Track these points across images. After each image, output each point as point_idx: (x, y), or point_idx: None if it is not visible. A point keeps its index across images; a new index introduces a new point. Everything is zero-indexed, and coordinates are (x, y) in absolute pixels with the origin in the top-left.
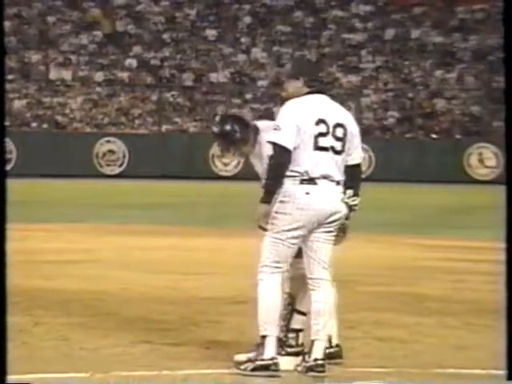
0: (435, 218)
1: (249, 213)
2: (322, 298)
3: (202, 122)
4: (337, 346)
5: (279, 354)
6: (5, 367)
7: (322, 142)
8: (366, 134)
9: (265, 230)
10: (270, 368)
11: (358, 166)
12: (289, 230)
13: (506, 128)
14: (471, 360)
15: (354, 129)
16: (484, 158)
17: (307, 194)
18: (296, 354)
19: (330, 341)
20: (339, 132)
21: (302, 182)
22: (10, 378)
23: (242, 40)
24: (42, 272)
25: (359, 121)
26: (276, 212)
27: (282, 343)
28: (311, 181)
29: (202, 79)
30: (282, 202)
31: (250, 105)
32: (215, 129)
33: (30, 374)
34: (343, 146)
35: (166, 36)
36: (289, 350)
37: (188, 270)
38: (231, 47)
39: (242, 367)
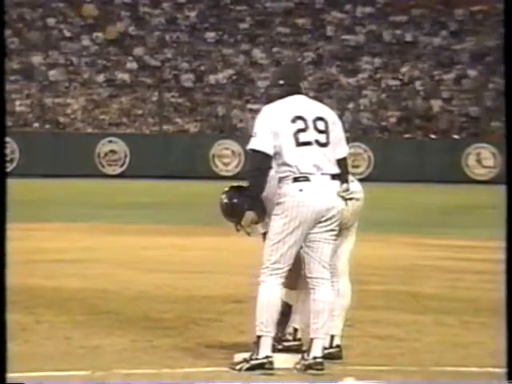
0: (433, 217)
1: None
2: (322, 297)
3: (203, 122)
4: (337, 346)
5: (276, 349)
6: (5, 366)
7: (303, 137)
8: (364, 134)
9: (249, 235)
10: (264, 366)
11: (343, 159)
12: (287, 230)
13: (506, 128)
14: (468, 358)
15: (335, 121)
16: (482, 158)
17: (301, 190)
18: (293, 350)
19: (331, 340)
20: (320, 125)
21: (295, 180)
22: (11, 376)
23: (242, 41)
24: (44, 271)
25: (358, 121)
26: (274, 214)
27: (278, 339)
28: (304, 178)
29: (203, 80)
30: (278, 203)
31: (250, 106)
32: (224, 206)
33: (32, 372)
34: (327, 137)
35: (166, 37)
36: (286, 344)
37: (188, 268)
38: (231, 48)
39: (238, 367)
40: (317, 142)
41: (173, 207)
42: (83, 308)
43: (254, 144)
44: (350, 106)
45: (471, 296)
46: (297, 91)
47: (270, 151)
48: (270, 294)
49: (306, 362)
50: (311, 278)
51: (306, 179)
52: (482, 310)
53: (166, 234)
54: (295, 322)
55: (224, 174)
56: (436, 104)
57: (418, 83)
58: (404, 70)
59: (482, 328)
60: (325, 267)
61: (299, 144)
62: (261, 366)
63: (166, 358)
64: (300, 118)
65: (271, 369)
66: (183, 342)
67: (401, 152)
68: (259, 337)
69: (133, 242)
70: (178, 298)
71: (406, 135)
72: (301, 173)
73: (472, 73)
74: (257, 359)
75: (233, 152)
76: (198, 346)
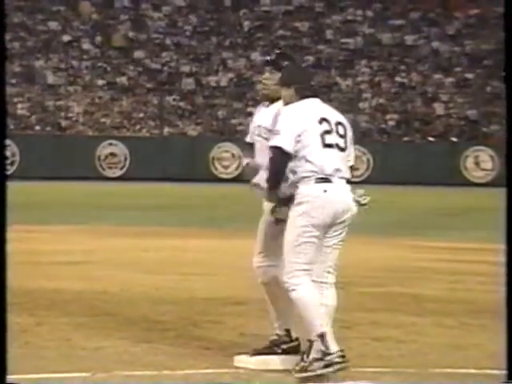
0: (432, 219)
1: (248, 214)
2: (324, 301)
3: (203, 125)
4: (296, 339)
5: (275, 353)
6: (5, 367)
7: (328, 139)
8: (364, 137)
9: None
10: (341, 361)
11: (351, 167)
12: (311, 231)
13: (506, 130)
14: (467, 359)
15: (349, 128)
16: (480, 161)
17: (325, 191)
18: (292, 351)
19: (289, 334)
20: (341, 130)
21: (318, 180)
22: (12, 377)
23: (242, 44)
24: (45, 273)
25: (357, 124)
26: (297, 215)
27: (276, 343)
28: (326, 179)
29: (203, 83)
30: (300, 203)
31: (250, 109)
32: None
33: (33, 374)
34: (345, 143)
35: (167, 41)
36: (284, 346)
37: (188, 270)
38: (231, 52)
39: (310, 368)
40: (337, 145)
41: (173, 209)
42: (84, 310)
43: (276, 141)
44: (349, 109)
45: (470, 298)
46: (313, 94)
47: (291, 150)
48: (312, 293)
49: (306, 364)
50: (315, 281)
51: (329, 181)
52: (481, 312)
53: (166, 236)
54: (286, 323)
55: (224, 176)
56: (435, 107)
57: (416, 86)
58: (403, 73)
59: (481, 330)
60: (329, 272)
61: (325, 145)
62: (337, 362)
63: (166, 359)
64: (325, 120)
65: (347, 361)
66: (183, 343)
67: (400, 155)
68: (323, 335)
69: (133, 244)
70: (178, 299)
71: (405, 138)
72: (324, 174)
73: (470, 76)
74: (330, 354)
75: (233, 155)
76: (198, 347)
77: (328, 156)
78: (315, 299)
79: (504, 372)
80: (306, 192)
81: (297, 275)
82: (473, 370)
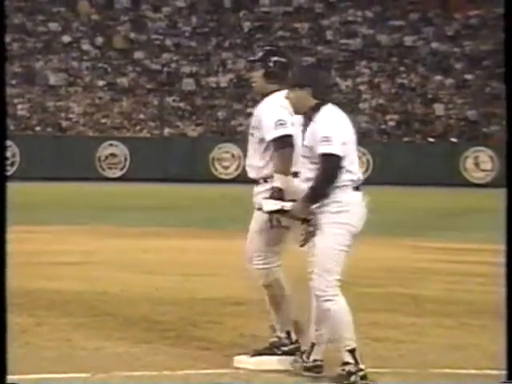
0: (432, 220)
1: (248, 215)
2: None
3: (203, 126)
4: (296, 341)
5: (275, 354)
6: (5, 367)
7: (357, 149)
8: (364, 137)
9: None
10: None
11: None
12: (348, 240)
13: (506, 130)
14: (467, 360)
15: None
16: (480, 162)
17: (362, 201)
18: (292, 353)
19: (289, 337)
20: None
21: (354, 189)
22: (12, 378)
23: (242, 45)
24: (45, 273)
25: (357, 125)
26: (335, 223)
27: (277, 344)
28: (358, 188)
29: (203, 84)
30: (339, 212)
31: (250, 109)
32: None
33: (33, 374)
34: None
35: (167, 42)
36: (285, 348)
37: (188, 271)
38: (231, 52)
39: (352, 379)
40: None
41: (173, 210)
42: (84, 310)
43: (332, 149)
44: (349, 109)
45: (470, 298)
46: (332, 100)
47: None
48: (346, 307)
49: (307, 365)
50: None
51: (359, 190)
52: (481, 313)
53: (166, 236)
54: (287, 325)
55: (224, 177)
56: (434, 108)
57: (416, 87)
58: (402, 74)
59: (481, 330)
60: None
61: (357, 155)
62: (365, 376)
63: (166, 359)
64: (352, 131)
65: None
66: (183, 344)
67: (399, 155)
68: (353, 350)
69: (133, 244)
70: (177, 300)
71: (405, 139)
72: (358, 183)
73: (470, 77)
74: (362, 370)
75: (233, 155)
76: (198, 348)
77: (358, 164)
78: (349, 313)
79: (504, 372)
80: (347, 200)
81: (334, 285)
82: (472, 371)
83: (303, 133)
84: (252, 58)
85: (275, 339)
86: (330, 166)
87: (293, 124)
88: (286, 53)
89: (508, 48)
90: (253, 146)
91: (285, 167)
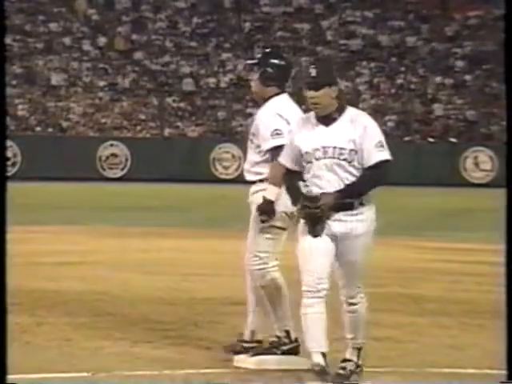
0: (431, 220)
1: (249, 215)
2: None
3: (203, 126)
4: (296, 340)
5: (275, 353)
6: (5, 367)
7: None
8: None
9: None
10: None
11: None
12: None
13: (507, 130)
14: (465, 359)
15: None
16: (479, 162)
17: None
18: (292, 352)
19: (288, 336)
20: None
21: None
22: (12, 377)
23: (242, 46)
24: (45, 273)
25: None
26: (370, 234)
27: (276, 344)
28: None
29: (203, 84)
30: (372, 222)
31: (250, 110)
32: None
33: (33, 374)
34: None
35: (167, 42)
36: (284, 348)
37: (188, 271)
38: (231, 53)
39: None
40: None
41: (173, 210)
42: (84, 310)
43: (388, 155)
44: None
45: (469, 298)
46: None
47: None
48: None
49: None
50: (327, 290)
51: None
52: (480, 312)
53: (166, 236)
54: (286, 325)
55: (224, 177)
56: (434, 108)
57: (415, 88)
58: (402, 74)
59: (480, 330)
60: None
61: None
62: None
63: (166, 359)
64: None
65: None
66: (183, 343)
67: (399, 155)
68: (361, 349)
69: (133, 244)
70: (178, 299)
71: (405, 139)
72: None
73: (469, 77)
74: (360, 367)
75: (233, 156)
76: (198, 347)
77: None
78: None
79: (503, 372)
80: (373, 210)
81: (361, 295)
82: (471, 370)
83: (316, 133)
84: (250, 62)
85: (274, 339)
86: (385, 172)
87: (290, 132)
88: (285, 55)
89: (508, 48)
90: (251, 151)
91: (276, 179)
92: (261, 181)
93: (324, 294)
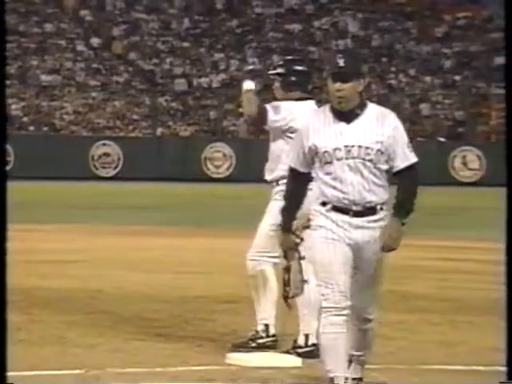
0: (420, 218)
1: (240, 214)
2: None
3: (195, 125)
4: (273, 335)
5: (250, 347)
6: (5, 366)
7: None
8: None
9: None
10: None
11: None
12: None
13: (507, 129)
14: (455, 356)
15: None
16: (467, 161)
17: None
18: (267, 347)
19: (267, 330)
20: None
21: None
22: (11, 374)
23: (234, 46)
24: (39, 271)
25: None
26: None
27: (252, 337)
28: None
29: (195, 84)
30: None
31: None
32: None
33: (27, 371)
34: None
35: (159, 43)
36: (260, 341)
37: (180, 269)
38: (223, 54)
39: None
40: None
41: (165, 209)
42: (77, 308)
43: (415, 156)
44: None
45: (458, 295)
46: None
47: None
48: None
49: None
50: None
51: None
52: (469, 310)
53: (159, 235)
54: (266, 318)
55: (215, 176)
56: (422, 108)
57: (405, 88)
58: (391, 74)
59: (469, 327)
60: None
61: None
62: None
63: (158, 357)
64: None
65: None
66: (176, 341)
67: None
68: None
69: (126, 242)
70: (171, 297)
71: None
72: None
73: (458, 78)
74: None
75: (224, 155)
76: (191, 345)
77: None
78: None
79: (491, 368)
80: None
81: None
82: (460, 367)
83: (337, 131)
84: (272, 72)
85: (253, 332)
86: (416, 175)
87: (300, 129)
88: (305, 60)
89: (508, 48)
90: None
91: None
92: (277, 183)
93: (347, 312)
